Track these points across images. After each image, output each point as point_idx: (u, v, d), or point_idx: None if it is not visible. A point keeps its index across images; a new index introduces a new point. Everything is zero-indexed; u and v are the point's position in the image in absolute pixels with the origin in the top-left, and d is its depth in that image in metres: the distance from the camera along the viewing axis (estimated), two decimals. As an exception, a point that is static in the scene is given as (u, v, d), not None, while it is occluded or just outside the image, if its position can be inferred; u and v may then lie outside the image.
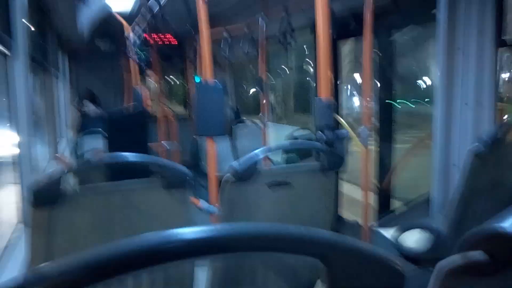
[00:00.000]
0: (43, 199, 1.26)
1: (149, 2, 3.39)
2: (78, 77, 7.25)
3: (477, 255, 0.49)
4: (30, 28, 3.11)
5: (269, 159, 4.72)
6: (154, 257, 0.35)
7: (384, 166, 3.42)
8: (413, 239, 1.99)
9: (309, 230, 0.36)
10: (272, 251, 0.36)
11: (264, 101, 4.61)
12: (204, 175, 5.38)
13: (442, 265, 0.50)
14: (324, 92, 1.68)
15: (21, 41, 2.01)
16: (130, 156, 1.38)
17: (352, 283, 0.37)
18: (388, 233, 2.40)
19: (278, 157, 4.72)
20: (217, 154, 2.59)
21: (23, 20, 2.05)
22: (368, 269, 0.38)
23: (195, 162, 5.59)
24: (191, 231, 0.35)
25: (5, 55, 1.95)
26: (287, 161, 4.46)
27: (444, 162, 2.48)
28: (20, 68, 1.99)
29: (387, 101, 3.51)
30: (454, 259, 0.49)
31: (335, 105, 1.77)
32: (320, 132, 1.63)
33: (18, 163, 1.97)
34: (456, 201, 1.78)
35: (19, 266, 1.58)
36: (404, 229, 2.00)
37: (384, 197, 3.35)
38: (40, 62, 3.53)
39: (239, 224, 0.35)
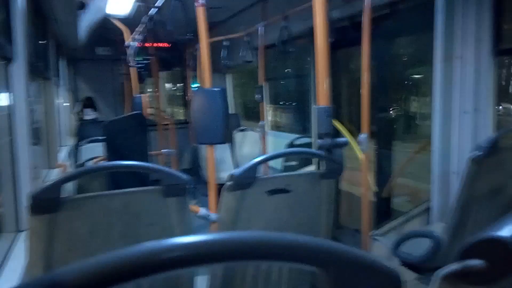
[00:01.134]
0: (42, 206, 1.26)
1: (150, 11, 3.42)
2: (78, 85, 7.28)
3: (476, 263, 0.49)
4: (31, 36, 3.12)
5: (269, 166, 4.72)
6: (152, 267, 0.35)
7: (384, 173, 3.42)
8: (413, 246, 1.98)
9: (307, 239, 0.36)
10: (270, 260, 0.36)
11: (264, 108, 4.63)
12: (204, 182, 5.39)
13: (441, 272, 0.50)
14: (322, 100, 1.69)
15: (21, 48, 2.02)
16: (130, 164, 1.39)
17: None
18: (388, 240, 2.39)
19: (278, 164, 4.73)
20: (217, 162, 2.59)
21: (24, 27, 2.06)
22: (366, 278, 0.38)
23: (195, 170, 5.59)
24: (191, 240, 0.35)
25: (5, 62, 1.96)
26: (287, 168, 4.47)
27: (444, 169, 2.48)
28: (20, 75, 2.00)
29: (385, 107, 3.53)
30: (453, 267, 0.50)
31: (334, 112, 1.78)
32: (319, 139, 1.64)
33: (16, 171, 1.97)
34: (455, 209, 1.78)
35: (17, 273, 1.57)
36: (404, 237, 2.00)
37: (384, 204, 3.34)
38: (41, 70, 3.55)
39: (236, 233, 0.35)
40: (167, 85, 9.11)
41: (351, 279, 0.38)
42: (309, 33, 3.84)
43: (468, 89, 2.37)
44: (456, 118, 2.42)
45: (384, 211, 3.33)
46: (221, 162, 5.64)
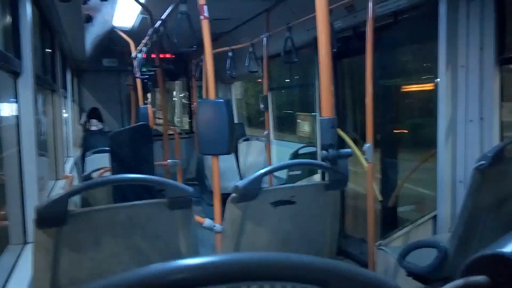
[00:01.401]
0: (49, 220, 1.27)
1: (155, 24, 3.46)
2: (84, 96, 7.35)
3: (479, 279, 0.49)
4: (38, 48, 3.17)
5: (274, 176, 4.71)
6: None
7: (389, 183, 3.41)
8: (420, 256, 1.97)
9: (309, 258, 0.37)
10: (274, 281, 0.36)
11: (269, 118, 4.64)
12: (209, 192, 5.39)
13: None
14: (326, 111, 1.70)
15: (29, 62, 2.05)
16: (135, 177, 1.39)
17: None
18: (394, 250, 2.37)
19: (282, 173, 4.72)
20: (222, 171, 2.59)
21: (31, 41, 2.09)
22: None
23: (200, 179, 5.59)
24: (192, 262, 0.35)
25: (14, 76, 1.99)
26: (292, 177, 4.46)
27: (450, 178, 2.47)
28: (27, 88, 2.03)
29: (390, 115, 3.53)
30: (456, 283, 0.49)
31: (338, 122, 1.78)
32: (323, 150, 1.64)
33: (24, 182, 1.99)
34: (461, 219, 1.77)
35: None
36: (410, 247, 1.98)
37: (390, 214, 3.32)
38: (48, 82, 3.59)
39: (238, 255, 0.36)
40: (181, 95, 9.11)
41: None
42: (313, 44, 3.88)
43: (473, 98, 2.37)
44: (462, 127, 2.42)
45: (390, 220, 3.31)
46: (226, 172, 5.64)
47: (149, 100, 7.51)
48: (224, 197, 2.30)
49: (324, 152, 1.63)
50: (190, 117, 7.91)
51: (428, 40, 2.86)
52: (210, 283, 0.35)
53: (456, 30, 2.39)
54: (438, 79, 2.48)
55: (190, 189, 1.39)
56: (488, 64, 2.30)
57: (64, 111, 4.92)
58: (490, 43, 2.27)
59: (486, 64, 2.31)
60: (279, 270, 0.36)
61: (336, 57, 3.59)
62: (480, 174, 1.66)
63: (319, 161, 1.88)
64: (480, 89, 2.34)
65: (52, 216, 1.26)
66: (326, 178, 1.74)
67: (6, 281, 1.63)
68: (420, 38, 3.29)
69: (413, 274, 1.97)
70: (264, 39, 4.08)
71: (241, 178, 5.51)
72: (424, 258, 1.93)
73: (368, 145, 2.55)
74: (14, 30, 2.03)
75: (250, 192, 1.48)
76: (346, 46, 3.53)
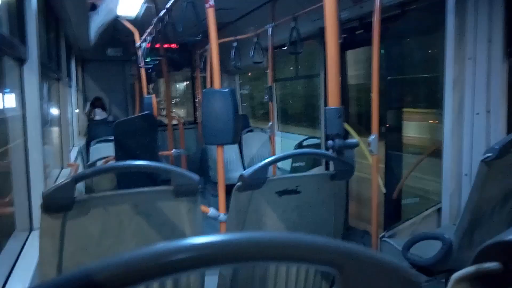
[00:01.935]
0: (55, 205, 1.28)
1: (160, 13, 3.44)
2: (88, 86, 7.35)
3: (492, 266, 0.48)
4: (43, 37, 3.16)
5: (278, 168, 4.72)
6: (165, 268, 0.35)
7: (393, 175, 3.40)
8: (424, 249, 1.97)
9: (325, 240, 0.36)
10: (288, 261, 0.36)
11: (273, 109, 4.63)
12: (212, 183, 5.40)
13: (456, 276, 0.50)
14: (333, 101, 1.69)
15: (34, 49, 2.04)
16: (141, 164, 1.39)
17: None
18: (398, 242, 2.38)
19: (286, 165, 4.72)
20: (226, 162, 2.60)
21: (36, 28, 2.09)
22: (384, 279, 0.38)
23: (204, 170, 5.61)
24: (205, 240, 0.35)
25: (19, 62, 1.99)
26: (295, 169, 4.46)
27: (455, 171, 2.46)
28: (32, 75, 2.03)
29: (395, 108, 3.50)
30: (469, 270, 0.49)
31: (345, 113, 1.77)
32: (330, 140, 1.63)
33: (27, 170, 2.00)
34: (467, 211, 1.77)
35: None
36: (414, 239, 1.98)
37: (395, 206, 3.32)
38: (53, 71, 3.59)
39: (254, 233, 0.35)
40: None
41: (370, 280, 0.37)
42: (318, 34, 3.85)
43: (480, 90, 2.35)
44: (468, 120, 2.40)
45: (394, 212, 3.31)
46: (230, 163, 5.65)
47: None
48: (228, 188, 2.30)
49: (330, 141, 1.63)
50: (194, 108, 7.90)
51: (436, 31, 2.83)
52: (221, 262, 0.35)
53: (464, 22, 2.37)
54: (445, 71, 2.46)
55: (196, 176, 1.39)
56: (496, 57, 2.28)
57: (69, 100, 4.92)
58: (499, 35, 2.25)
59: (494, 56, 2.29)
60: (293, 250, 0.35)
61: (342, 48, 3.56)
62: (486, 166, 1.65)
63: (325, 151, 1.87)
64: (487, 81, 2.32)
65: (59, 202, 1.27)
66: (330, 169, 1.74)
67: (13, 267, 1.65)
68: (427, 30, 3.26)
69: (417, 266, 1.97)
70: (269, 29, 4.05)
71: (244, 170, 5.50)
72: (428, 250, 1.93)
73: (373, 137, 2.54)
74: (19, 17, 2.02)
75: (256, 181, 1.48)
76: (352, 37, 3.50)
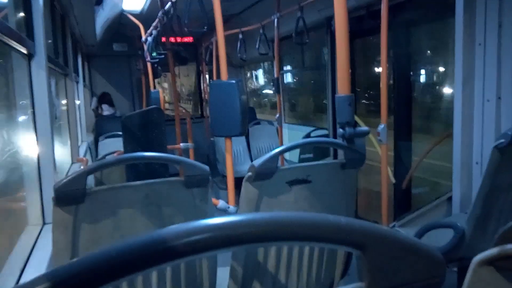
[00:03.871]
0: (67, 198, 1.28)
1: (165, 6, 3.43)
2: (95, 81, 7.37)
3: (516, 247, 0.47)
4: (50, 32, 3.17)
5: (285, 159, 4.70)
6: (185, 247, 0.35)
7: (403, 164, 3.38)
8: (435, 238, 1.95)
9: (348, 220, 0.36)
10: (311, 241, 0.35)
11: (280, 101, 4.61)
12: (221, 176, 5.41)
13: (478, 258, 0.49)
14: (343, 89, 1.67)
15: (42, 44, 2.05)
16: (152, 155, 1.40)
17: (392, 274, 0.36)
18: (409, 232, 2.36)
19: (294, 157, 4.71)
20: (234, 155, 2.59)
21: (44, 22, 2.09)
22: (409, 259, 0.37)
23: (212, 163, 5.62)
24: (232, 219, 0.34)
25: (27, 57, 2.00)
26: (303, 161, 4.44)
27: (466, 159, 2.43)
28: (41, 70, 2.03)
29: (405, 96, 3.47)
30: (492, 252, 0.48)
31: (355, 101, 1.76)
32: (340, 129, 1.62)
33: (38, 165, 2.01)
34: (480, 199, 1.75)
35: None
36: (426, 227, 1.97)
37: (405, 195, 3.30)
38: (60, 66, 3.60)
39: (279, 213, 0.35)
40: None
41: (394, 261, 0.37)
42: (325, 24, 3.81)
43: (491, 76, 2.31)
44: (479, 107, 2.37)
45: (404, 202, 3.29)
46: (238, 156, 5.65)
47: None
48: (236, 181, 2.30)
49: (340, 130, 1.61)
50: (201, 102, 7.89)
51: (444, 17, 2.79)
52: (248, 241, 0.34)
53: (473, 7, 2.33)
54: (455, 57, 2.43)
55: (207, 167, 1.39)
56: (507, 42, 2.23)
57: (77, 96, 4.94)
58: (509, 20, 2.20)
59: (504, 41, 2.24)
60: (317, 230, 0.35)
61: (349, 37, 3.52)
62: (499, 153, 1.63)
63: (336, 140, 1.86)
64: (498, 67, 2.28)
65: (71, 194, 1.27)
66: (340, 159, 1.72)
67: (27, 261, 1.66)
68: (436, 16, 3.21)
69: (429, 254, 1.96)
70: (275, 20, 4.02)
71: (252, 162, 5.50)
72: (438, 240, 1.91)
73: (382, 126, 2.52)
74: (26, 12, 2.03)
75: (266, 171, 1.47)
76: (360, 25, 3.46)
